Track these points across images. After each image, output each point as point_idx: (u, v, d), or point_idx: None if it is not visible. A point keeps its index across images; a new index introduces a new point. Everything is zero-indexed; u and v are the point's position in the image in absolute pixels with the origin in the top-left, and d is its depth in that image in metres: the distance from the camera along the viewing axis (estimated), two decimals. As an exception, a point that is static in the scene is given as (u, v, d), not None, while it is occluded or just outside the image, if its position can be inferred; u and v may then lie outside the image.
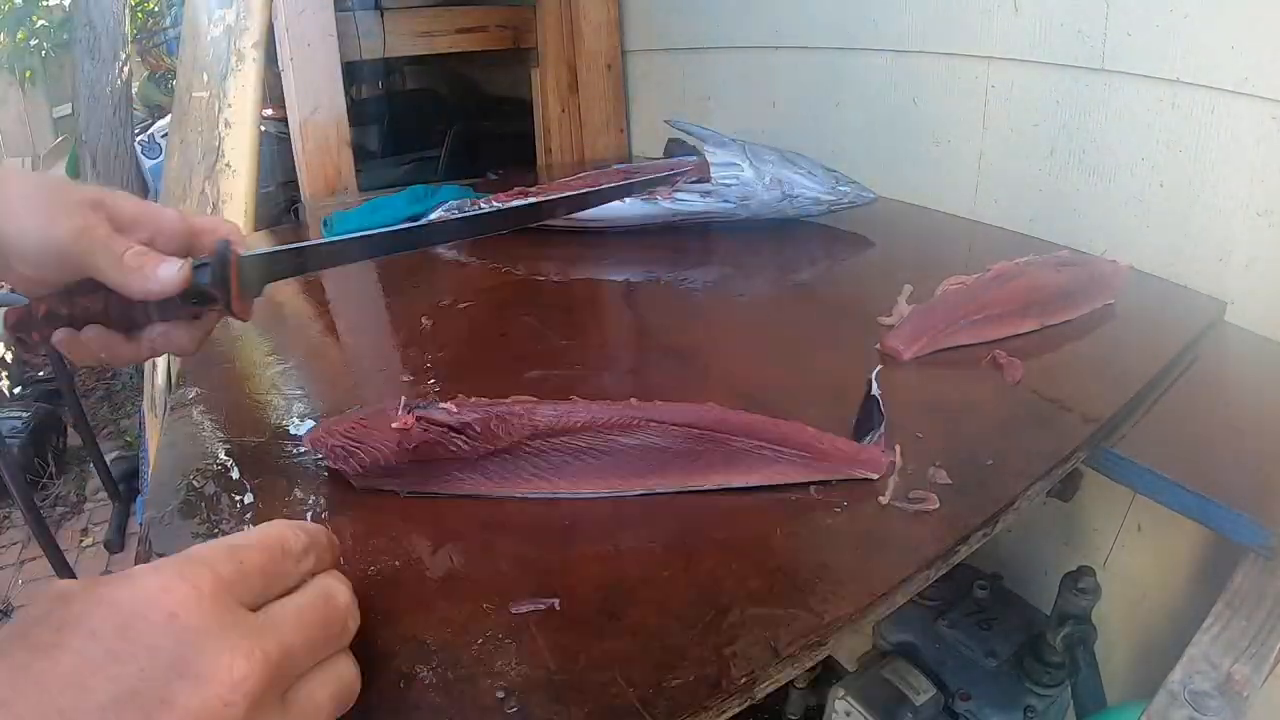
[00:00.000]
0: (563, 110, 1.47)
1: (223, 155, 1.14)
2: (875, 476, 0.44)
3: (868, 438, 0.46)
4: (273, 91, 1.23)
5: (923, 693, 0.71)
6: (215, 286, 0.41)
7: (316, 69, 1.16)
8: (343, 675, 0.29)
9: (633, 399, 0.44)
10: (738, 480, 0.44)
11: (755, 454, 0.44)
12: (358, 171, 1.24)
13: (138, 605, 0.24)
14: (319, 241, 0.46)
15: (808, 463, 0.44)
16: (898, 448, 0.46)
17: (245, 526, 0.43)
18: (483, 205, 0.95)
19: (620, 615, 0.36)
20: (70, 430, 2.51)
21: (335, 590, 0.30)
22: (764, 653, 0.33)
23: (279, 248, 0.44)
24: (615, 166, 0.96)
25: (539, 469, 0.44)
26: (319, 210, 1.11)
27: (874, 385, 0.47)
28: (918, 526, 0.41)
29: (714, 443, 0.43)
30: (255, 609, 0.27)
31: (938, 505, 0.42)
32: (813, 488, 0.44)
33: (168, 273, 0.39)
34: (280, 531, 0.30)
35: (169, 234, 0.42)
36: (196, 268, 0.41)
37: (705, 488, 0.44)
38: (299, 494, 0.45)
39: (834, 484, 0.44)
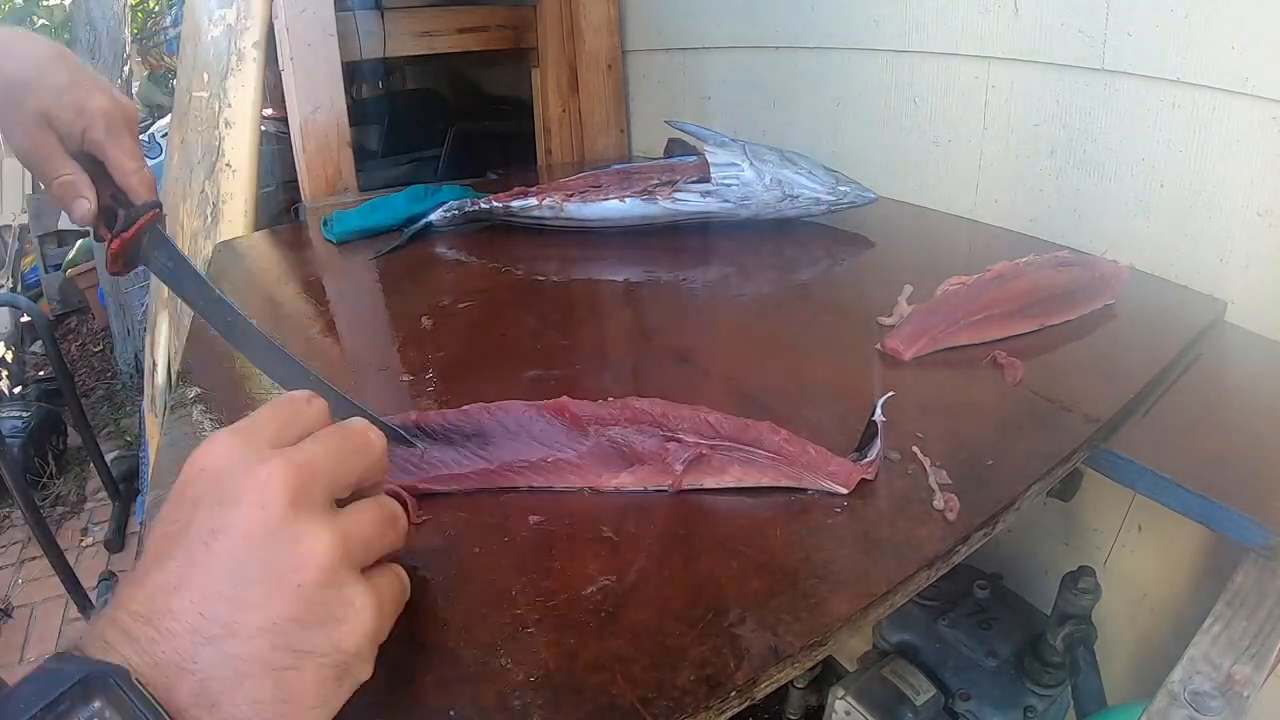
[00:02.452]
0: (563, 110, 1.47)
1: (223, 155, 1.14)
2: (844, 490, 0.43)
3: (861, 457, 0.45)
4: (273, 91, 1.23)
5: (923, 693, 0.71)
6: (112, 233, 0.48)
7: (316, 69, 1.16)
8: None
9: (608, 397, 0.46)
10: (709, 481, 0.44)
11: (721, 453, 0.44)
12: (358, 171, 1.24)
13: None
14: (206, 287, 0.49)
15: (776, 466, 0.44)
16: (897, 454, 0.46)
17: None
18: (483, 205, 0.95)
19: (620, 615, 0.36)
20: (70, 430, 2.51)
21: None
22: (764, 653, 0.33)
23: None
24: (615, 167, 0.96)
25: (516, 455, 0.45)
26: (319, 210, 1.11)
27: (878, 410, 0.46)
28: (918, 526, 0.41)
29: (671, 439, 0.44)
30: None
31: (957, 513, 0.42)
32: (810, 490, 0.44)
33: (79, 209, 0.47)
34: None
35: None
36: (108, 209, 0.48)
37: (678, 488, 0.44)
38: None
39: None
